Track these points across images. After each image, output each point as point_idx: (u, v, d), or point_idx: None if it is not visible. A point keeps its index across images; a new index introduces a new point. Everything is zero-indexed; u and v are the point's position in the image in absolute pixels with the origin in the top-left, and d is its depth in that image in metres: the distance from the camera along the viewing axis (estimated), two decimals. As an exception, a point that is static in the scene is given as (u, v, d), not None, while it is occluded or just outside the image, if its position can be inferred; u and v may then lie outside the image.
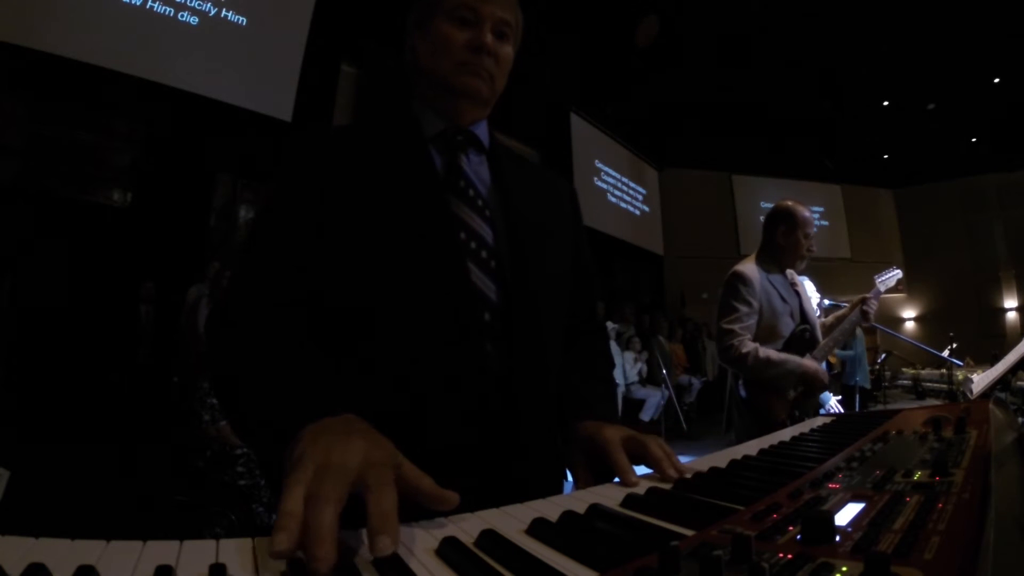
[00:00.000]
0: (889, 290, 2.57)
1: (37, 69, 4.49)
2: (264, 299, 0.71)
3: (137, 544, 0.36)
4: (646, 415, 7.13)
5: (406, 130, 0.83)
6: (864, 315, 2.24)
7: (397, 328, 0.71)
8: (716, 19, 7.83)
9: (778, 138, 10.46)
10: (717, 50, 8.34)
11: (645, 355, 7.52)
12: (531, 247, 0.81)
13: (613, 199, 9.72)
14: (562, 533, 0.41)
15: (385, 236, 0.73)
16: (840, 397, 2.35)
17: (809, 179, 11.71)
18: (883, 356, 8.06)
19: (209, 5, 5.48)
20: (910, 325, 11.86)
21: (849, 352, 6.10)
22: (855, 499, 0.41)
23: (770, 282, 2.18)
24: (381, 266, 0.72)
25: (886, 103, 9.86)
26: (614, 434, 0.71)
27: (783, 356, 2.08)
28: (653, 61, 8.42)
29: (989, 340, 8.99)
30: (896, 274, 2.45)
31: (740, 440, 2.17)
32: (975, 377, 1.18)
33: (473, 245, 0.76)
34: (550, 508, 0.48)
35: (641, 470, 0.67)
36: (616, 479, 0.66)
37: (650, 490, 0.53)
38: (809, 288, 2.71)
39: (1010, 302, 11.08)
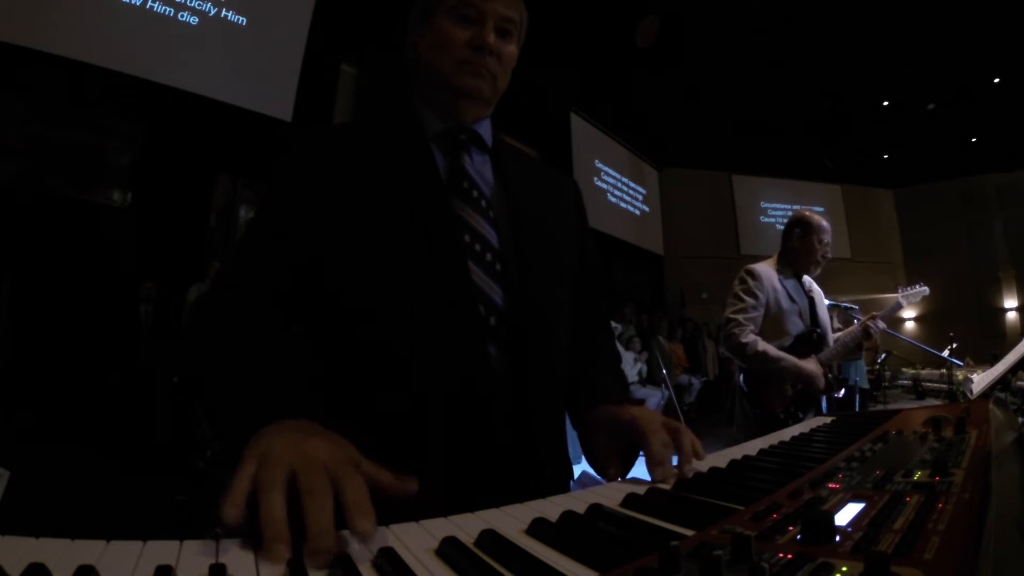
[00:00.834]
0: (888, 290, 2.59)
1: (37, 69, 4.49)
2: (244, 297, 0.71)
3: (137, 544, 0.36)
4: (646, 415, 7.13)
5: (407, 129, 0.82)
6: (866, 333, 2.30)
7: (398, 330, 0.71)
8: (716, 19, 7.83)
9: (778, 138, 10.46)
10: (717, 50, 8.34)
11: (645, 355, 7.53)
12: (535, 248, 0.80)
13: (613, 199, 9.72)
14: (562, 533, 0.41)
15: (387, 237, 0.72)
16: (842, 393, 2.39)
17: (809, 179, 11.72)
18: (883, 356, 8.05)
19: (209, 5, 5.48)
20: (910, 325, 11.85)
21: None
22: (855, 499, 0.41)
23: (780, 282, 2.28)
24: (383, 267, 0.71)
25: (886, 103, 9.86)
26: (649, 416, 0.70)
27: (781, 354, 2.14)
28: (653, 61, 8.41)
29: (989, 340, 8.99)
30: (923, 291, 2.49)
31: (742, 431, 2.23)
32: (975, 377, 1.18)
33: (477, 247, 0.75)
34: (550, 508, 0.48)
35: (642, 470, 0.67)
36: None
37: (650, 490, 0.53)
38: (816, 286, 2.73)
39: (1010, 302, 11.08)
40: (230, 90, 5.48)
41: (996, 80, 8.95)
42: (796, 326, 2.24)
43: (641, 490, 0.53)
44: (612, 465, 0.73)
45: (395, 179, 0.76)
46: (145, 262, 4.99)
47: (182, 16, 5.32)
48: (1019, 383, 1.00)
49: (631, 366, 7.32)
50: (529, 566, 0.34)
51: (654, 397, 7.02)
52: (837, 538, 0.33)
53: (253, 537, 0.39)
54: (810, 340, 2.24)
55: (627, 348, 7.43)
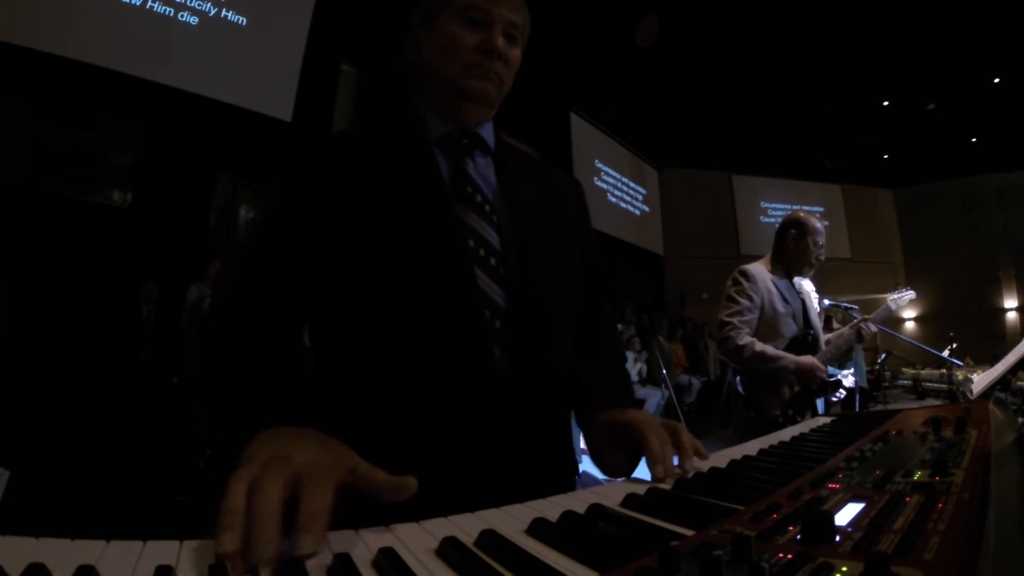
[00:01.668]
0: (887, 290, 2.60)
1: (37, 69, 4.49)
2: (251, 306, 0.71)
3: (137, 544, 0.36)
4: (646, 415, 7.13)
5: (410, 133, 0.81)
6: (859, 335, 2.31)
7: (403, 335, 0.71)
8: (716, 19, 7.83)
9: (778, 138, 10.46)
10: (717, 50, 8.34)
11: (645, 355, 7.53)
12: (538, 250, 0.80)
13: (613, 199, 9.72)
14: (562, 533, 0.41)
15: (391, 244, 0.72)
16: (843, 393, 2.40)
17: (809, 179, 11.72)
18: (883, 356, 8.04)
19: (209, 5, 5.48)
20: (910, 325, 11.85)
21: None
22: (855, 499, 0.41)
23: (774, 283, 2.25)
24: (388, 273, 0.71)
25: (886, 103, 9.86)
26: (646, 418, 0.71)
27: (779, 352, 2.14)
28: (653, 61, 8.41)
29: (989, 340, 8.99)
30: (910, 294, 2.51)
31: (737, 434, 2.22)
32: (975, 377, 1.18)
33: (482, 252, 0.75)
34: (550, 508, 0.48)
35: (642, 470, 0.67)
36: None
37: (650, 490, 0.53)
38: (807, 286, 2.72)
39: (1010, 302, 11.08)
40: (230, 90, 5.48)
41: (996, 80, 8.95)
42: (790, 328, 2.23)
43: (641, 490, 0.53)
44: (616, 466, 0.73)
45: (398, 185, 0.75)
46: (145, 262, 4.99)
47: (182, 16, 5.32)
48: (1019, 383, 1.00)
49: (631, 366, 7.33)
50: (529, 566, 0.34)
51: (654, 397, 7.02)
52: (837, 538, 0.33)
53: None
54: (804, 343, 2.23)
55: (627, 348, 7.44)
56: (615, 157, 10.00)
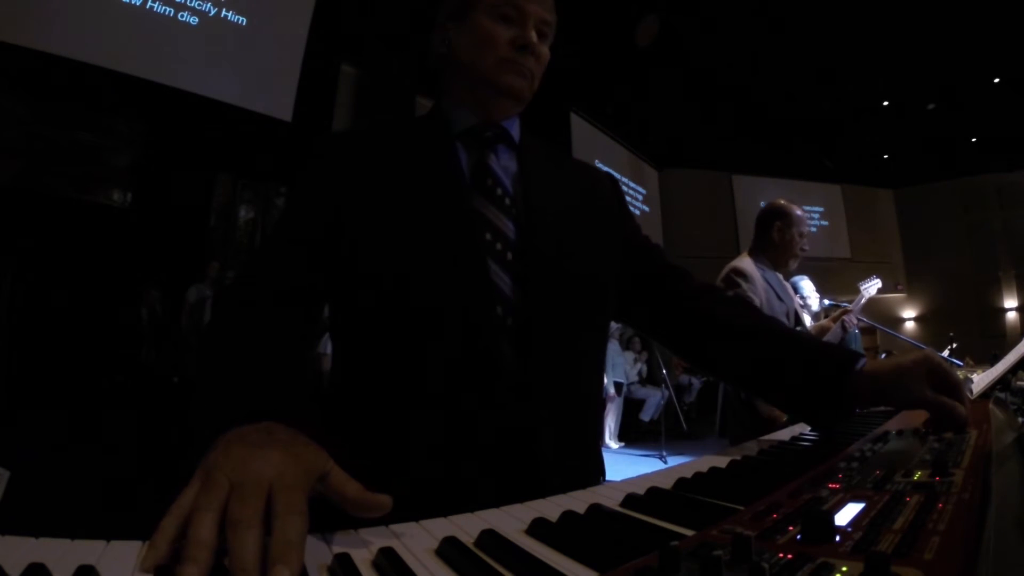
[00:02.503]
0: (887, 291, 2.61)
1: (37, 69, 4.49)
2: (256, 296, 0.70)
3: (137, 544, 0.36)
4: (646, 415, 7.14)
5: (432, 128, 0.82)
6: (843, 328, 2.28)
7: (416, 329, 0.70)
8: (716, 19, 7.83)
9: (778, 138, 10.46)
10: (717, 50, 8.34)
11: (645, 355, 7.53)
12: (554, 242, 0.78)
13: (613, 199, 9.72)
14: (562, 533, 0.41)
15: (409, 237, 0.72)
16: None
17: (809, 179, 11.72)
18: (883, 356, 8.06)
19: (209, 5, 5.48)
20: (910, 325, 11.86)
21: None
22: (855, 499, 0.41)
23: (767, 280, 2.18)
24: (403, 267, 0.71)
25: (886, 103, 9.86)
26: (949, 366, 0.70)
27: None
28: (653, 61, 8.42)
29: (989, 340, 8.99)
30: (876, 283, 2.53)
31: (734, 443, 2.17)
32: (975, 377, 1.18)
33: (499, 246, 0.74)
34: (550, 508, 0.48)
35: (642, 470, 0.67)
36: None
37: (650, 490, 0.53)
38: (808, 288, 2.71)
39: (1010, 302, 11.08)
40: (230, 90, 5.48)
41: (996, 80, 8.96)
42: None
43: (641, 490, 0.53)
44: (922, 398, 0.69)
45: (418, 179, 0.76)
46: (145, 262, 5.00)
47: (182, 16, 5.33)
48: (1019, 383, 1.00)
49: (631, 366, 7.33)
50: (529, 566, 0.34)
51: (654, 397, 7.03)
52: (837, 538, 0.33)
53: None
54: None
55: (627, 348, 7.44)
56: (615, 157, 10.00)
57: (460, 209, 0.74)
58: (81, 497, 2.93)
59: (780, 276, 2.26)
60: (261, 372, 0.60)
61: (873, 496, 0.41)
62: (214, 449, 0.43)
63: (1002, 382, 1.00)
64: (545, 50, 0.81)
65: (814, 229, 2.50)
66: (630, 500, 0.50)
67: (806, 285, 2.81)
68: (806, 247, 2.22)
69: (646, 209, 10.72)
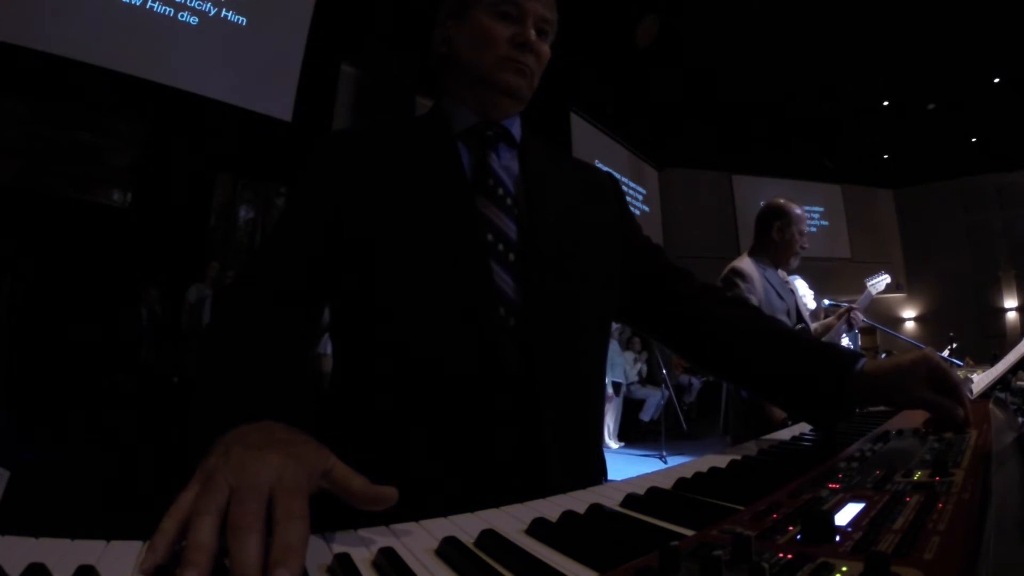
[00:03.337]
0: (888, 290, 2.60)
1: (37, 69, 4.49)
2: (257, 297, 0.70)
3: (137, 544, 0.36)
4: (646, 415, 7.14)
5: (433, 127, 0.81)
6: (849, 325, 2.28)
7: (417, 331, 0.70)
8: (716, 19, 7.83)
9: (778, 138, 10.46)
10: (717, 50, 8.34)
11: (645, 355, 7.53)
12: (556, 243, 0.78)
13: (613, 199, 9.72)
14: (562, 533, 0.41)
15: (410, 237, 0.71)
16: None
17: (809, 179, 11.71)
18: (883, 356, 8.06)
19: (209, 5, 5.48)
20: (910, 325, 11.86)
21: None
22: (855, 499, 0.41)
23: (767, 279, 2.17)
24: (405, 267, 0.70)
25: (886, 103, 9.86)
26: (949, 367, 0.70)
27: None
28: (653, 61, 8.42)
29: (989, 340, 8.99)
30: (885, 278, 2.49)
31: (737, 442, 2.17)
32: (975, 377, 1.18)
33: (500, 247, 0.74)
34: (550, 508, 0.48)
35: (642, 470, 0.67)
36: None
37: (650, 490, 0.53)
38: (802, 287, 2.71)
39: (1010, 302, 11.08)
40: (230, 90, 5.48)
41: (996, 80, 8.96)
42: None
43: (641, 490, 0.53)
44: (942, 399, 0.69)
45: (420, 178, 0.75)
46: (145, 262, 5.00)
47: (182, 16, 5.33)
48: (1019, 383, 1.00)
49: (631, 366, 7.33)
50: (529, 566, 0.34)
51: (654, 397, 7.02)
52: (837, 538, 0.33)
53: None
54: None
55: (627, 348, 7.44)
56: (615, 157, 10.00)
57: (462, 210, 0.74)
58: (81, 497, 2.93)
59: (782, 274, 2.25)
60: (260, 373, 0.59)
61: (873, 496, 0.41)
62: (213, 451, 0.42)
63: (1002, 382, 1.00)
64: (545, 48, 0.80)
65: (814, 229, 2.53)
66: (630, 500, 0.50)
67: (799, 284, 2.82)
68: (806, 245, 2.22)
69: (646, 209, 10.72)
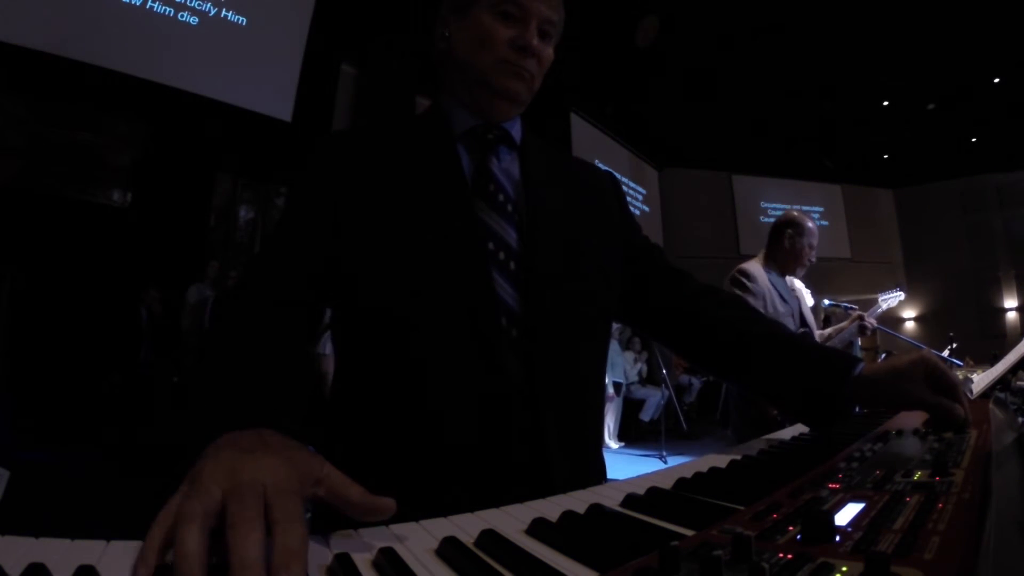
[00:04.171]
0: (887, 290, 2.64)
1: (37, 69, 4.49)
2: (257, 301, 0.69)
3: (137, 544, 0.36)
4: (646, 415, 7.14)
5: (433, 128, 0.80)
6: (862, 330, 2.40)
7: (417, 337, 0.69)
8: (716, 19, 7.83)
9: (778, 138, 10.46)
10: (717, 50, 8.34)
11: (645, 355, 7.53)
12: (558, 252, 0.77)
13: (613, 199, 9.72)
14: (562, 533, 0.41)
15: (410, 243, 0.70)
16: None
17: (809, 179, 11.72)
18: (883, 356, 8.06)
19: (209, 5, 5.48)
20: (910, 325, 11.85)
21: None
22: (855, 499, 0.41)
23: (772, 283, 2.27)
24: (404, 273, 0.69)
25: (886, 103, 9.86)
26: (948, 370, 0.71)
27: None
28: (653, 61, 8.42)
29: (989, 340, 8.99)
30: (899, 295, 2.62)
31: (737, 435, 2.20)
32: (975, 377, 1.18)
33: (501, 255, 0.73)
34: (550, 508, 0.48)
35: (642, 470, 0.67)
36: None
37: (650, 490, 0.53)
38: (798, 284, 2.75)
39: (1010, 302, 11.08)
40: (230, 90, 5.48)
41: (996, 80, 8.96)
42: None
43: (641, 490, 0.53)
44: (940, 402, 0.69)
45: (419, 183, 0.74)
46: (145, 262, 5.00)
47: (182, 16, 5.32)
48: (1019, 383, 1.00)
49: (631, 366, 7.33)
50: (529, 566, 0.34)
51: (654, 397, 7.03)
52: (837, 538, 0.33)
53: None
54: None
55: (627, 348, 7.44)
56: (615, 157, 10.00)
57: (463, 217, 0.73)
58: (81, 497, 2.94)
59: (790, 280, 2.38)
60: (256, 379, 0.58)
61: (873, 496, 0.41)
62: (203, 455, 0.41)
63: (1002, 382, 1.00)
64: (548, 51, 0.78)
65: (816, 241, 2.58)
66: (630, 500, 0.50)
67: (796, 284, 2.86)
68: (813, 259, 2.35)
69: (646, 209, 10.72)
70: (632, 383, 7.18)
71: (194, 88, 5.26)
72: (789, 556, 0.30)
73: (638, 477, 0.63)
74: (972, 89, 9.08)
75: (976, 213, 11.31)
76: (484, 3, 0.75)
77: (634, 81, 8.96)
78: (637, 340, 7.48)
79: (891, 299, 2.63)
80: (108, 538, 0.36)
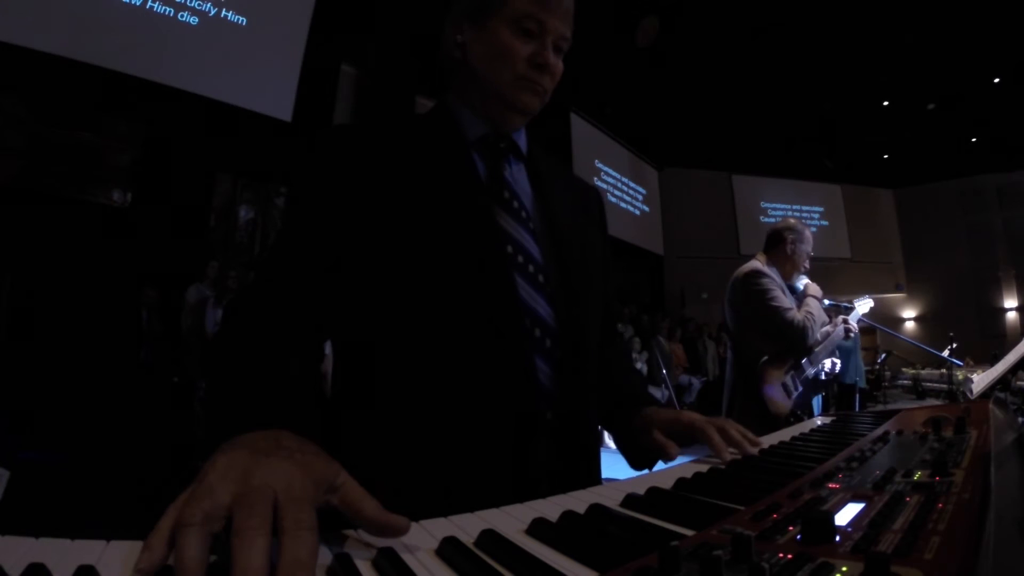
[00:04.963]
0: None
1: (37, 69, 4.49)
2: (268, 305, 0.67)
3: (137, 544, 0.36)
4: (646, 415, 7.14)
5: (446, 132, 0.79)
6: (847, 333, 2.45)
7: (443, 344, 0.68)
8: (716, 19, 7.83)
9: (778, 138, 10.46)
10: (717, 50, 8.34)
11: (645, 355, 7.53)
12: (574, 259, 0.79)
13: (613, 199, 9.73)
14: (562, 533, 0.41)
15: (429, 247, 0.69)
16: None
17: (809, 179, 11.73)
18: (883, 356, 8.06)
19: (209, 5, 5.48)
20: (910, 325, 11.86)
21: (848, 343, 6.11)
22: (855, 499, 0.41)
23: (777, 283, 2.31)
24: (425, 279, 0.68)
25: (886, 103, 9.86)
26: (697, 417, 0.79)
27: (824, 317, 2.34)
28: (653, 61, 8.42)
29: (989, 340, 9.00)
30: (868, 302, 2.71)
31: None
32: (975, 377, 1.18)
33: (520, 259, 0.73)
34: (550, 508, 0.48)
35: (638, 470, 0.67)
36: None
37: (650, 490, 0.53)
38: (814, 291, 2.78)
39: (1010, 302, 11.08)
40: (230, 90, 5.48)
41: (996, 80, 8.96)
42: None
43: (641, 490, 0.53)
44: (670, 446, 0.79)
45: (435, 184, 0.73)
46: (145, 262, 4.99)
47: (182, 16, 5.32)
48: (1019, 383, 1.00)
49: (631, 366, 7.33)
50: (529, 566, 0.34)
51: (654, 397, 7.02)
52: (837, 538, 0.33)
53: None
54: None
55: (627, 348, 7.45)
56: (615, 157, 10.00)
57: (482, 220, 0.73)
58: (81, 497, 2.94)
59: (804, 285, 2.45)
60: (269, 379, 0.57)
61: (873, 496, 0.41)
62: (215, 455, 0.41)
63: (1002, 382, 1.00)
64: (561, 66, 0.79)
65: (814, 229, 2.62)
66: (630, 500, 0.50)
67: (811, 291, 2.89)
68: (807, 266, 2.42)
69: (646, 209, 10.72)
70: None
71: (194, 88, 5.26)
72: (789, 556, 0.30)
73: (638, 477, 0.63)
74: (972, 89, 9.08)
75: (976, 213, 11.31)
76: (503, 16, 0.75)
77: (634, 81, 8.96)
78: (637, 340, 7.48)
79: (862, 304, 2.70)
80: (108, 538, 0.36)
